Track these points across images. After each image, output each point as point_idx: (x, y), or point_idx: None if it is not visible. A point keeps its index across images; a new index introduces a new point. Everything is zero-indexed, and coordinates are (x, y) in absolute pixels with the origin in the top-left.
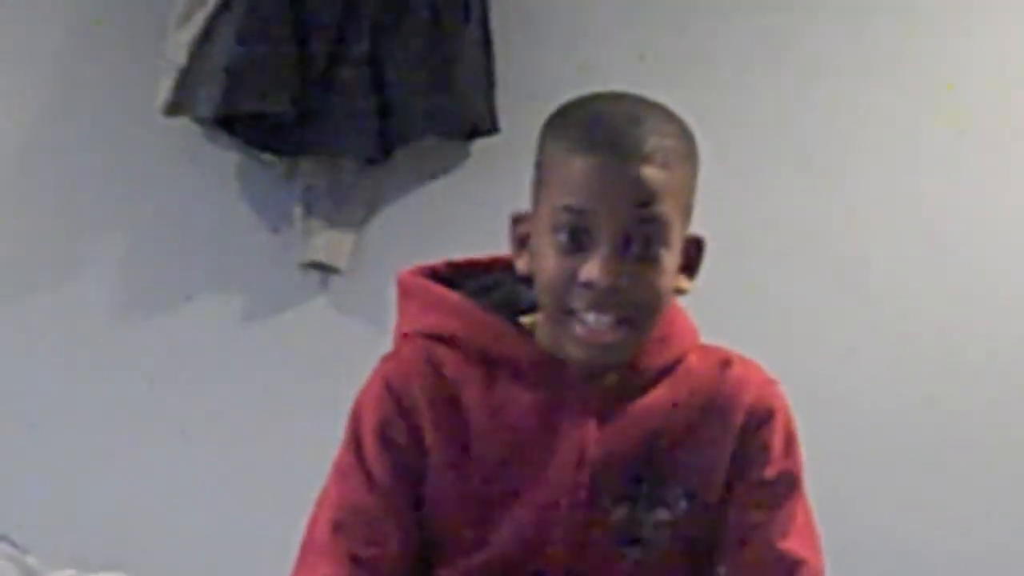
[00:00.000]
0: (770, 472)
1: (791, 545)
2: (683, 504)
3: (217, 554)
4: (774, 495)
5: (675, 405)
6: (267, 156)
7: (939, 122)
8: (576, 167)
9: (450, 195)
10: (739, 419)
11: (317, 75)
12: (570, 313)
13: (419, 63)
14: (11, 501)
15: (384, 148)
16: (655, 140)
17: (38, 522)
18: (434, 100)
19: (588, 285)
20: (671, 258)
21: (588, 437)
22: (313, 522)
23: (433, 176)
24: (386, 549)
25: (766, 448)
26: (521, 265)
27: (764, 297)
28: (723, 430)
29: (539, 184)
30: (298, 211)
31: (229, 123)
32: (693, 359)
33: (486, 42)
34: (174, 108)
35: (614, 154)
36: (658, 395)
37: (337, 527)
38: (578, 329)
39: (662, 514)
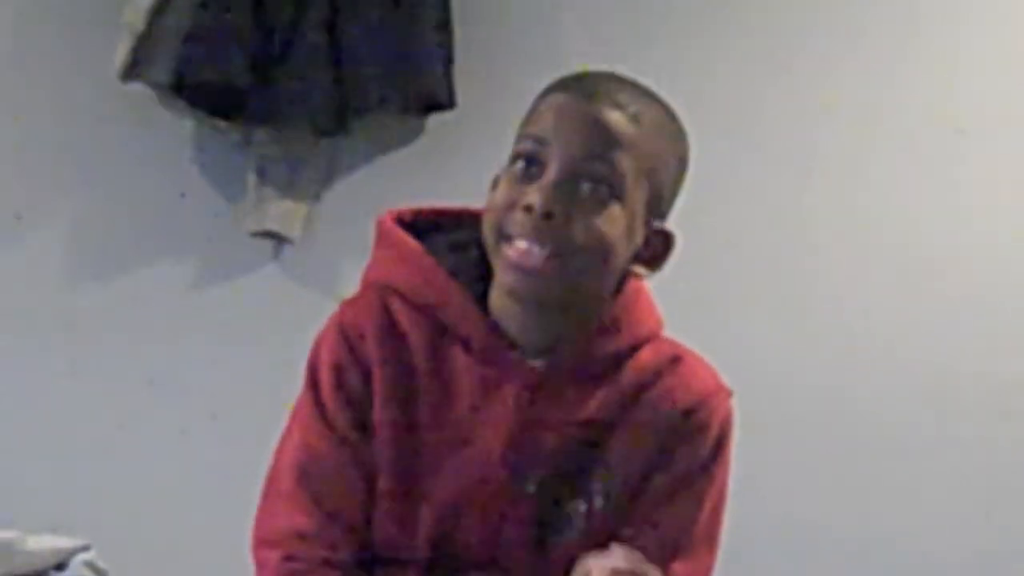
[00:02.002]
0: (683, 483)
1: (677, 568)
2: (599, 500)
3: (164, 519)
4: (681, 507)
5: (613, 400)
6: (222, 124)
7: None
8: (546, 103)
9: (405, 169)
10: (673, 421)
11: (275, 45)
12: (506, 239)
13: (378, 35)
14: None
15: (340, 119)
16: (631, 99)
17: None
18: (392, 73)
19: (527, 208)
20: (622, 215)
21: (517, 416)
22: (276, 469)
23: (388, 149)
24: (349, 497)
25: (689, 456)
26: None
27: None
28: (654, 429)
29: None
30: (252, 180)
31: (185, 89)
32: (646, 352)
33: (445, 16)
34: (130, 73)
35: (584, 95)
36: (599, 387)
37: (301, 477)
38: (508, 252)
39: (580, 505)
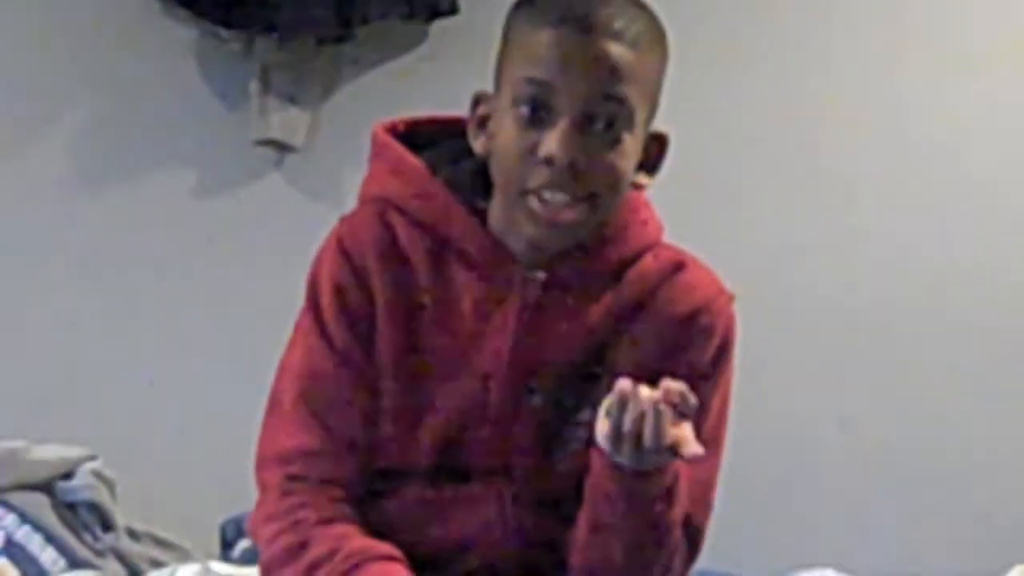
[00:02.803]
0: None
1: (684, 471)
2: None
3: (169, 425)
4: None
5: (616, 310)
6: (225, 32)
7: None
8: (542, 39)
9: (408, 76)
10: (676, 326)
11: None
12: (526, 191)
13: None
14: None
15: (343, 26)
16: (625, 20)
17: None
18: None
19: (547, 161)
20: (633, 143)
21: (521, 329)
22: (278, 389)
23: (392, 56)
24: (351, 415)
25: (694, 362)
26: (478, 146)
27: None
28: (658, 336)
29: (503, 60)
30: (255, 88)
31: None
32: (649, 259)
33: None
34: None
35: (581, 28)
36: (602, 295)
37: (303, 396)
38: (535, 206)
39: (585, 415)
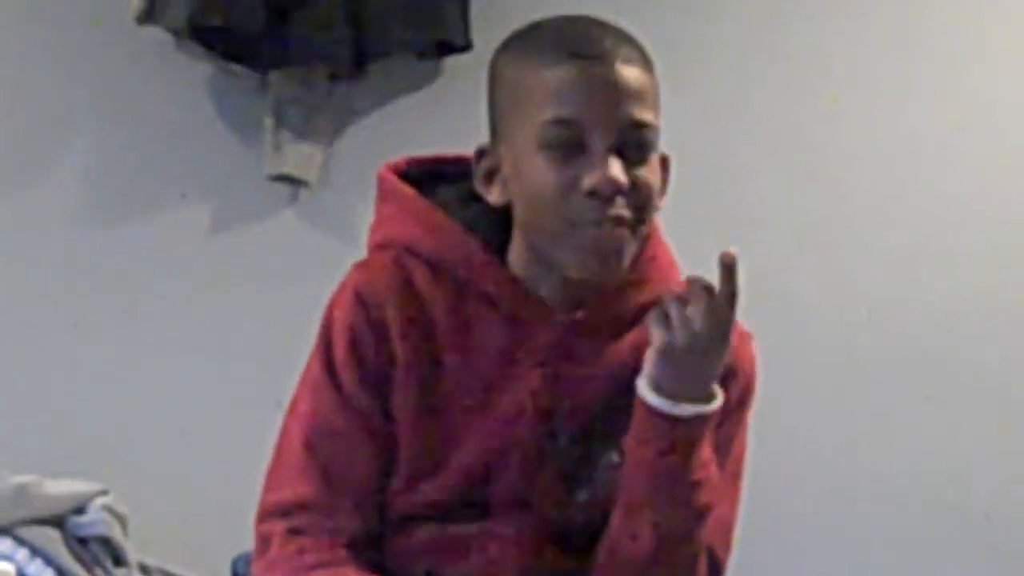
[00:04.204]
0: (714, 429)
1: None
2: None
3: (181, 462)
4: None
5: (640, 351)
6: (239, 68)
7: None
8: (557, 77)
9: (421, 111)
10: None
11: None
12: (573, 224)
13: None
14: None
15: (356, 62)
16: (627, 44)
17: None
18: (408, 15)
19: (592, 193)
20: (656, 162)
21: (546, 372)
22: (285, 437)
23: (404, 92)
24: (360, 469)
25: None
26: (493, 197)
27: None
28: None
29: (510, 109)
30: (268, 123)
31: (201, 33)
32: None
33: None
34: (147, 17)
35: (594, 59)
36: (625, 338)
37: (311, 446)
38: (586, 240)
39: (612, 456)
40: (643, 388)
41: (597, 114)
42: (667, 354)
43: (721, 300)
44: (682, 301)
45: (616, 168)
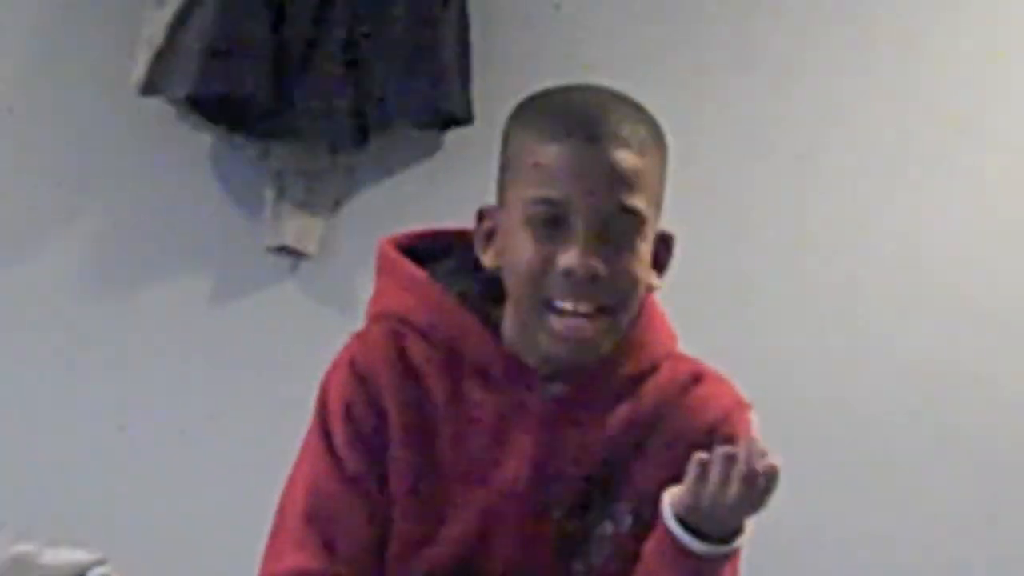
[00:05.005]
0: None
1: None
2: (628, 520)
3: (179, 532)
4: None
5: (635, 423)
6: (240, 139)
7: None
8: (549, 155)
9: (423, 184)
10: (697, 440)
11: (294, 59)
12: (547, 304)
13: (396, 50)
14: None
15: (358, 134)
16: (628, 126)
17: None
18: (410, 88)
19: (567, 273)
20: (645, 249)
21: (541, 445)
22: (284, 508)
23: (406, 164)
24: (359, 539)
25: None
26: (487, 260)
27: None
28: (679, 450)
29: (507, 176)
30: (269, 194)
31: (203, 104)
32: (665, 371)
33: (464, 30)
34: (149, 87)
35: (588, 140)
36: (620, 408)
37: (310, 516)
38: (555, 323)
39: (607, 528)
40: (668, 515)
41: (582, 197)
42: (695, 505)
43: (761, 482)
44: (729, 460)
45: (582, 253)
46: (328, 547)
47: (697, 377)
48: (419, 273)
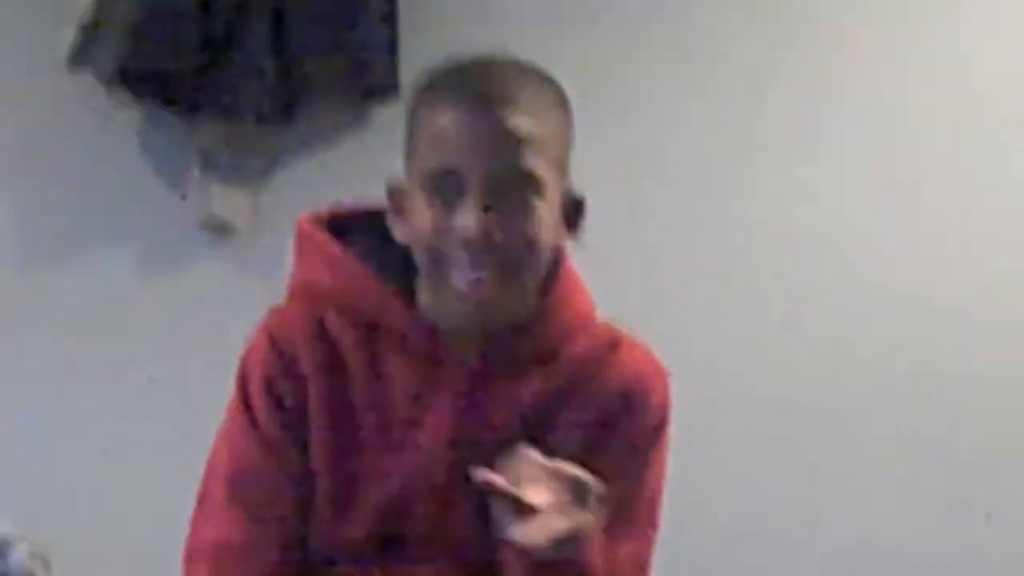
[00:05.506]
0: (623, 463)
1: (619, 548)
2: None
3: (106, 504)
4: (622, 488)
5: (551, 389)
6: (167, 113)
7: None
8: (442, 123)
9: (350, 156)
10: (611, 405)
11: (219, 32)
12: (449, 269)
13: (322, 23)
14: None
15: (284, 107)
16: (523, 91)
17: None
18: (336, 60)
19: (463, 237)
20: (546, 210)
21: (458, 412)
22: (208, 479)
23: (333, 138)
24: (282, 508)
25: (629, 438)
26: (399, 234)
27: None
28: (594, 413)
29: (409, 148)
30: (196, 168)
31: (130, 78)
32: (582, 338)
33: (390, 4)
34: (77, 62)
35: (478, 106)
36: (537, 378)
37: (233, 488)
38: (458, 286)
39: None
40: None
41: (472, 161)
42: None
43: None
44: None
45: (474, 219)
46: (252, 517)
47: (614, 343)
48: (335, 248)
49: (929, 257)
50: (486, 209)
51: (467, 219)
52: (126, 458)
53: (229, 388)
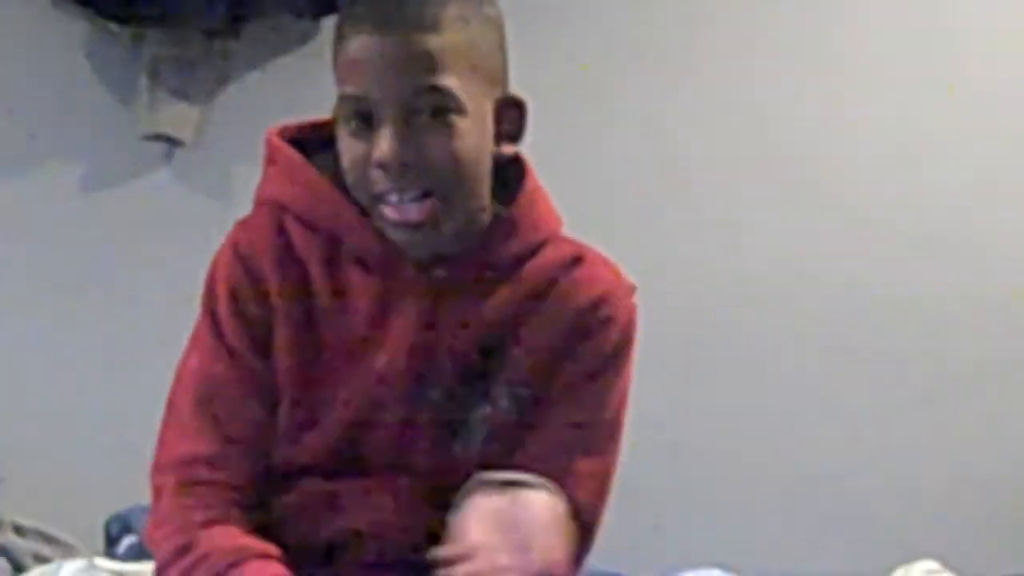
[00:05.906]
0: (588, 379)
1: (582, 465)
2: (506, 402)
3: (56, 422)
4: (586, 403)
5: (514, 302)
6: (114, 26)
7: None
8: (351, 51)
9: (299, 72)
10: (574, 318)
11: None
12: (377, 197)
13: None
14: None
15: (233, 21)
16: (428, 8)
17: None
18: None
19: (380, 165)
20: (468, 123)
21: (418, 327)
22: (175, 394)
23: (282, 51)
24: (249, 420)
25: (592, 353)
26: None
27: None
28: (556, 328)
29: (334, 77)
30: (144, 82)
31: None
32: (547, 253)
33: None
34: None
35: (382, 30)
36: (499, 290)
37: (200, 401)
38: (388, 213)
39: (485, 410)
40: None
41: (380, 85)
42: None
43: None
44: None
45: (388, 143)
46: (218, 429)
47: (578, 258)
48: (300, 162)
49: None
50: (402, 134)
51: (380, 147)
52: (73, 374)
53: (176, 299)
